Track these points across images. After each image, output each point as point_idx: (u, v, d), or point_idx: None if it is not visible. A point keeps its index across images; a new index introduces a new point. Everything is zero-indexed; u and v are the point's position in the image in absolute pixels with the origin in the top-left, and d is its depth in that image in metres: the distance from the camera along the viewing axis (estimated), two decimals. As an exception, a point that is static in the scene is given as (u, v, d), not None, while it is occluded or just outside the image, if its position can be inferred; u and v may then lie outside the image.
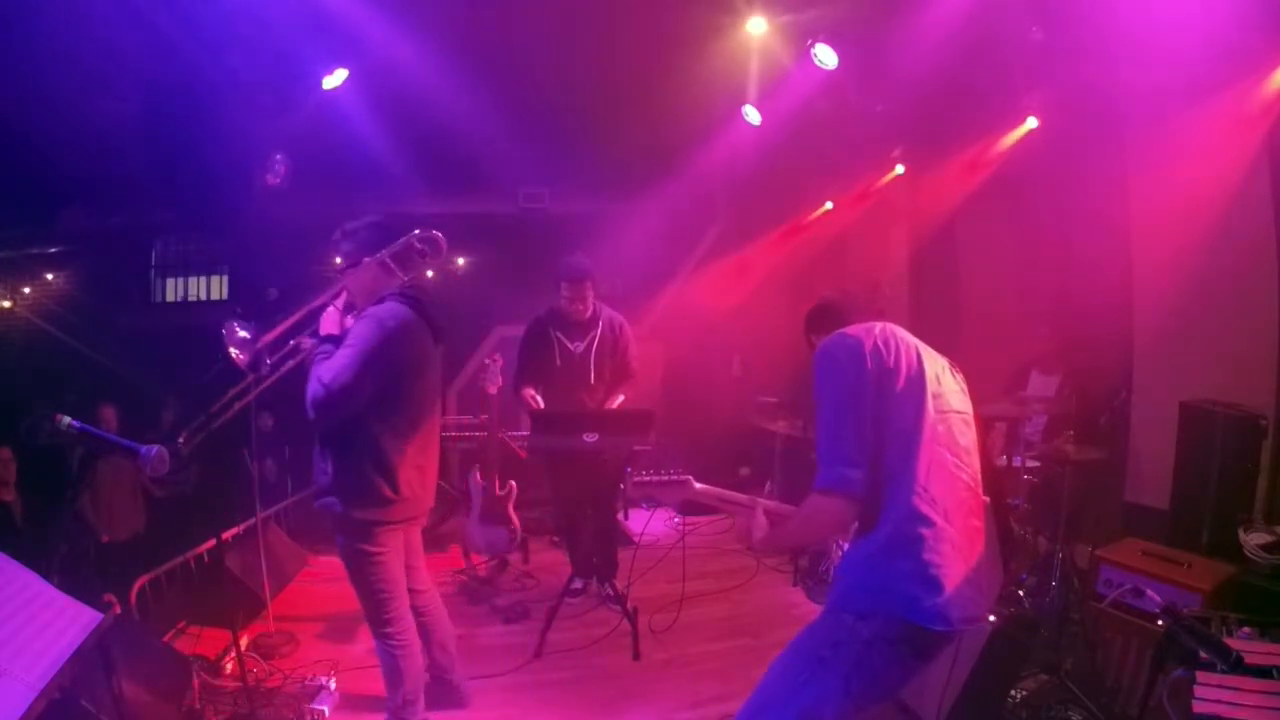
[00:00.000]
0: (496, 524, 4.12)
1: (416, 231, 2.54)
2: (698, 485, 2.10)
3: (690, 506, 5.60)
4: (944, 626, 1.63)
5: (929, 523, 1.68)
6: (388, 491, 2.42)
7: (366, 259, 2.47)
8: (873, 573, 1.72)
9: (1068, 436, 3.45)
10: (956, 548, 1.69)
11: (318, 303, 2.49)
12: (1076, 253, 4.62)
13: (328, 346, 2.39)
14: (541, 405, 3.80)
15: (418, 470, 2.52)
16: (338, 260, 2.61)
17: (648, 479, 2.08)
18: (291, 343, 2.62)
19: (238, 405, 2.86)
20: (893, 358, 1.80)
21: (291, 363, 2.65)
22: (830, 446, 1.74)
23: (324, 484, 2.49)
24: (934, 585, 1.64)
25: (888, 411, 1.75)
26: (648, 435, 3.32)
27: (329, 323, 2.46)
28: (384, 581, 2.50)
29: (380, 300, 2.45)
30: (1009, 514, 1.94)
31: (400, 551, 2.60)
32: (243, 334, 2.39)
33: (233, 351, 2.39)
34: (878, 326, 1.88)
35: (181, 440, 2.20)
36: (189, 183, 4.67)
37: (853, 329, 1.88)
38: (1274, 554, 2.77)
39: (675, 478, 2.09)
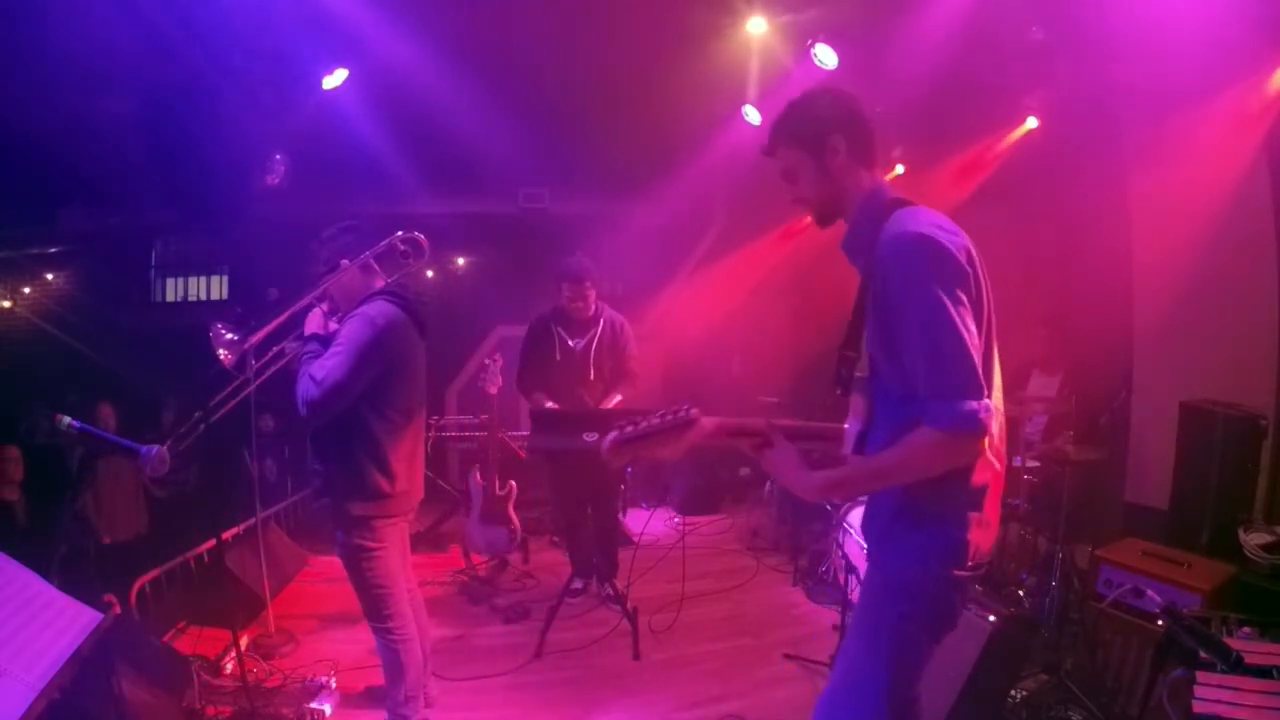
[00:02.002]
0: (496, 524, 4.12)
1: (399, 233, 2.59)
2: (706, 421, 1.58)
3: (692, 503, 5.67)
4: (971, 571, 1.56)
5: (986, 475, 1.54)
6: (385, 485, 2.46)
7: (345, 262, 2.53)
8: (924, 519, 1.53)
9: (1068, 436, 3.44)
10: (996, 494, 1.58)
11: (301, 305, 2.55)
12: (1076, 253, 4.62)
13: (314, 346, 2.44)
14: (554, 406, 3.81)
15: (409, 464, 2.56)
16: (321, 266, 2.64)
17: (632, 432, 1.56)
18: (276, 348, 2.68)
19: (223, 410, 2.90)
20: (977, 273, 1.50)
21: (278, 365, 2.72)
22: (957, 369, 1.40)
23: (320, 483, 2.52)
24: (989, 527, 1.56)
25: None
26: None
27: (313, 323, 2.52)
28: (383, 576, 2.52)
29: (367, 300, 2.49)
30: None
31: (398, 546, 2.64)
32: (229, 336, 2.45)
33: (220, 353, 2.44)
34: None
35: (167, 445, 2.22)
36: (189, 182, 4.67)
37: (940, 217, 1.52)
38: (1274, 554, 2.77)
39: (677, 417, 1.55)
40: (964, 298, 1.45)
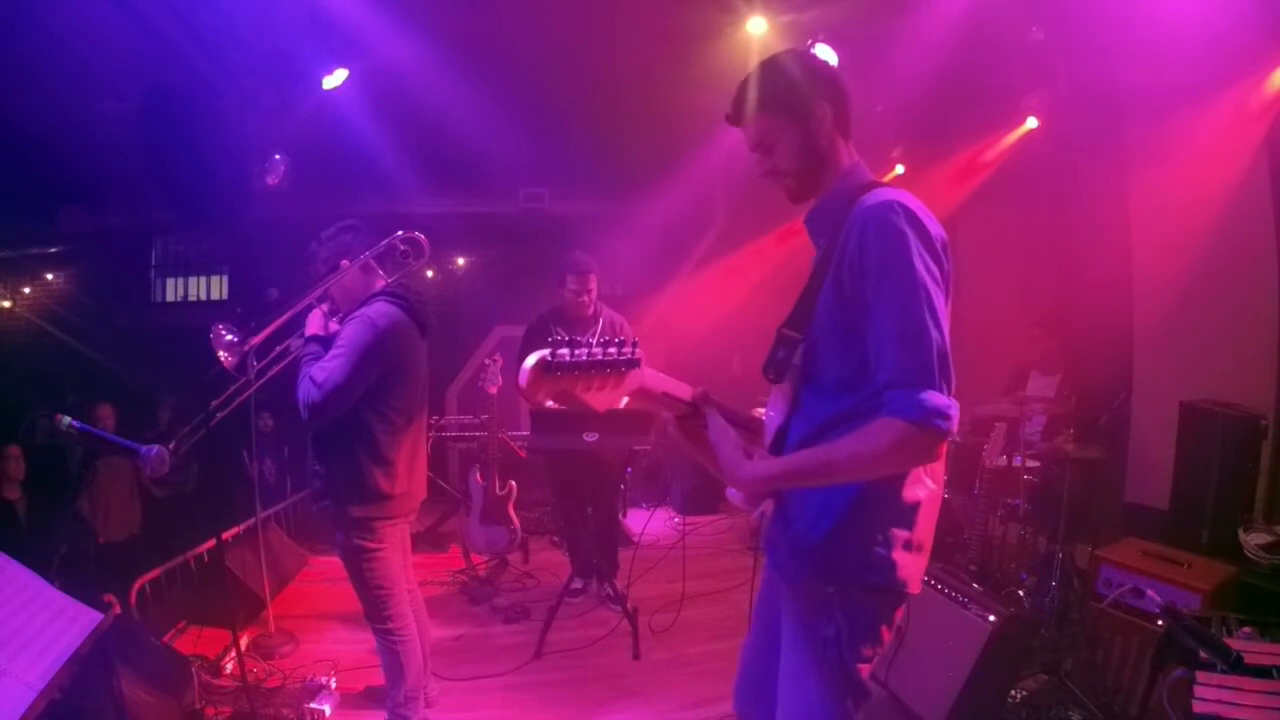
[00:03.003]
0: (496, 524, 4.12)
1: (399, 233, 2.58)
2: (648, 372, 1.31)
3: (692, 503, 5.66)
4: (916, 590, 1.44)
5: (919, 492, 1.41)
6: (385, 486, 2.45)
7: (345, 262, 2.52)
8: (858, 536, 1.39)
9: (1068, 436, 3.44)
10: (931, 517, 1.45)
11: (301, 305, 2.53)
12: (1076, 252, 4.62)
13: (315, 348, 2.44)
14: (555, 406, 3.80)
15: (410, 464, 2.56)
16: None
17: (566, 358, 1.19)
18: (278, 349, 2.68)
19: (223, 413, 2.90)
20: (950, 269, 1.36)
21: (278, 367, 2.72)
22: (933, 357, 1.26)
23: (320, 484, 2.52)
24: (921, 551, 1.43)
25: None
26: (647, 434, 3.32)
27: (314, 324, 2.51)
28: (384, 577, 2.52)
29: (368, 301, 2.49)
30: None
31: (399, 546, 2.64)
32: (229, 337, 2.43)
33: (221, 355, 2.43)
34: None
35: (171, 448, 2.22)
36: (189, 183, 4.67)
37: (913, 198, 1.37)
38: (1274, 554, 2.77)
39: (621, 354, 1.22)
40: (942, 285, 1.32)
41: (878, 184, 1.45)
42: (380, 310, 2.44)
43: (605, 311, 4.04)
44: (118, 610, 2.10)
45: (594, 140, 5.64)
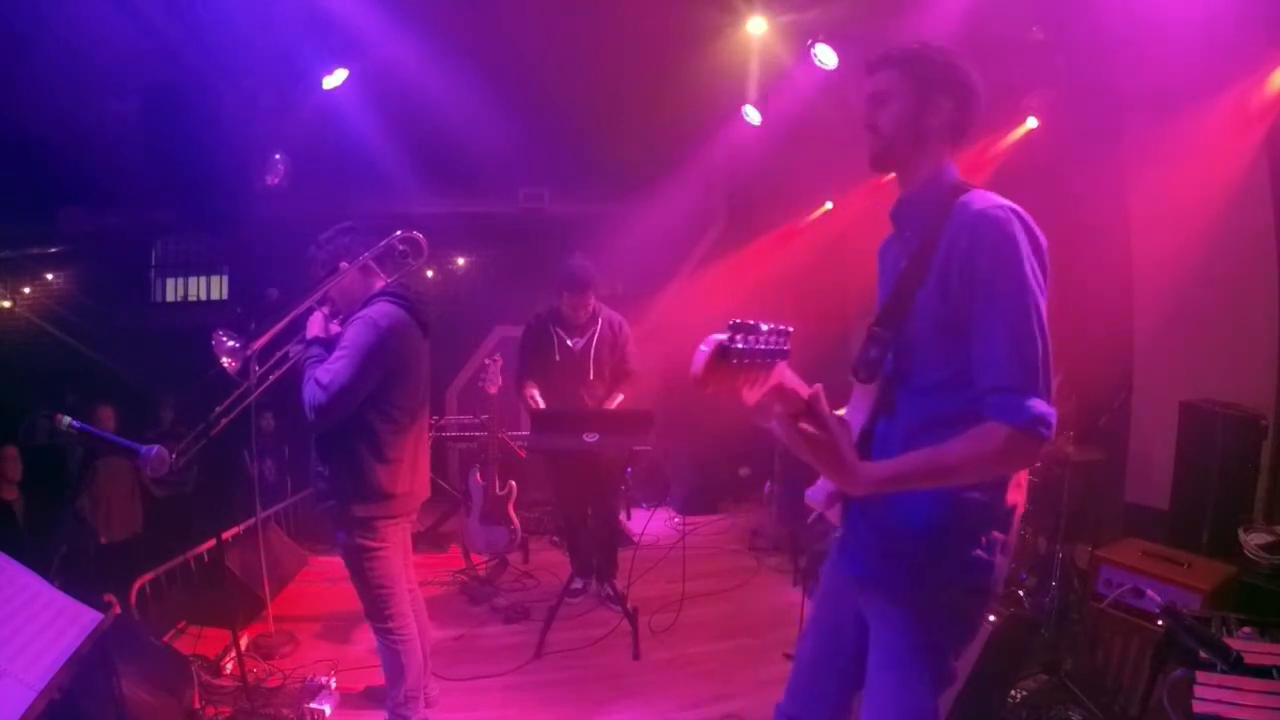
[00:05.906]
0: (496, 524, 4.12)
1: (398, 233, 2.58)
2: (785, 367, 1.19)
3: (692, 503, 5.66)
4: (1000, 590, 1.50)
5: (1017, 496, 1.43)
6: (388, 486, 2.46)
7: (343, 264, 2.52)
8: (957, 538, 1.39)
9: (1068, 436, 3.44)
10: (1018, 519, 1.49)
11: (301, 308, 2.54)
12: (1076, 253, 4.61)
13: (317, 350, 2.44)
14: (541, 404, 3.80)
15: (413, 465, 2.57)
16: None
17: (743, 347, 1.08)
18: (279, 353, 2.69)
19: (226, 420, 2.91)
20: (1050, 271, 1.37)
21: (279, 372, 2.74)
22: (1040, 366, 1.30)
23: (324, 485, 2.52)
24: (1010, 553, 1.46)
25: None
26: (647, 435, 3.32)
27: (315, 327, 2.52)
28: (385, 577, 2.53)
29: (370, 301, 2.49)
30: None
31: (400, 546, 2.65)
32: (231, 343, 2.44)
33: (224, 361, 2.44)
34: None
35: (173, 456, 2.23)
36: (189, 183, 4.68)
37: (1019, 206, 1.38)
38: (1274, 554, 2.77)
39: (779, 345, 1.13)
40: (1042, 296, 1.35)
41: (969, 186, 1.46)
42: (382, 310, 2.44)
43: (604, 311, 4.04)
44: (118, 610, 2.09)
45: (594, 140, 5.63)
